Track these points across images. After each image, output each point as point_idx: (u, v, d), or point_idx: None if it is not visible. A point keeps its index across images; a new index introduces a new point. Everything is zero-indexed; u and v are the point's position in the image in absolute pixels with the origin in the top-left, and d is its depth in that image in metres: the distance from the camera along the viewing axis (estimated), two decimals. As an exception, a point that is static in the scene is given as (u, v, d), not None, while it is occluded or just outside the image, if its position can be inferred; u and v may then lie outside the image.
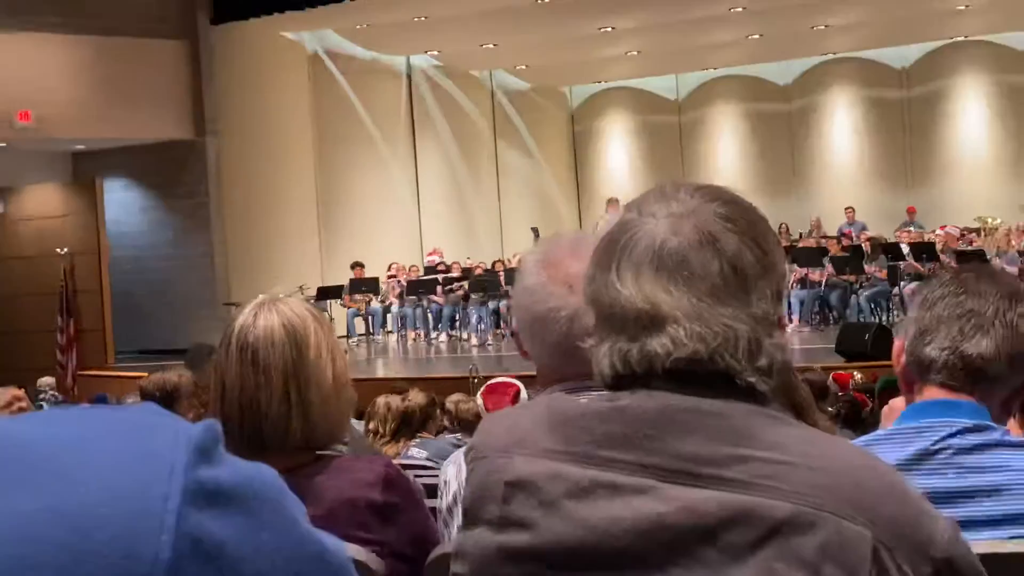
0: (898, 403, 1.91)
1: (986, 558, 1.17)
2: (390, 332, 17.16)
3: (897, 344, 1.82)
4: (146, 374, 5.65)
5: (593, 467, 1.11)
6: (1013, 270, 12.78)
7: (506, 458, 1.16)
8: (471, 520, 1.18)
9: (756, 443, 1.08)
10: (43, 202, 15.55)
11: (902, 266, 14.43)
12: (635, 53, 20.29)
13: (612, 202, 16.92)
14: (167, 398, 4.75)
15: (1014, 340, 1.72)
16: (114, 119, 15.09)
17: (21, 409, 6.60)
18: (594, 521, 1.08)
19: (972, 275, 1.80)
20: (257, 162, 16.25)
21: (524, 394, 5.51)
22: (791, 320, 14.48)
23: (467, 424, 5.63)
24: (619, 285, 1.15)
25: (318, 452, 1.95)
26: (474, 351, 14.85)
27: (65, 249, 15.08)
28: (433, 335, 16.54)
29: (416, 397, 5.46)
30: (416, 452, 4.80)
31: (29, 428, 0.60)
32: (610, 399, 1.15)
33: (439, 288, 16.59)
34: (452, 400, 6.03)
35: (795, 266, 14.73)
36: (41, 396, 10.53)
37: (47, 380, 11.48)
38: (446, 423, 5.90)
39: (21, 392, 7.47)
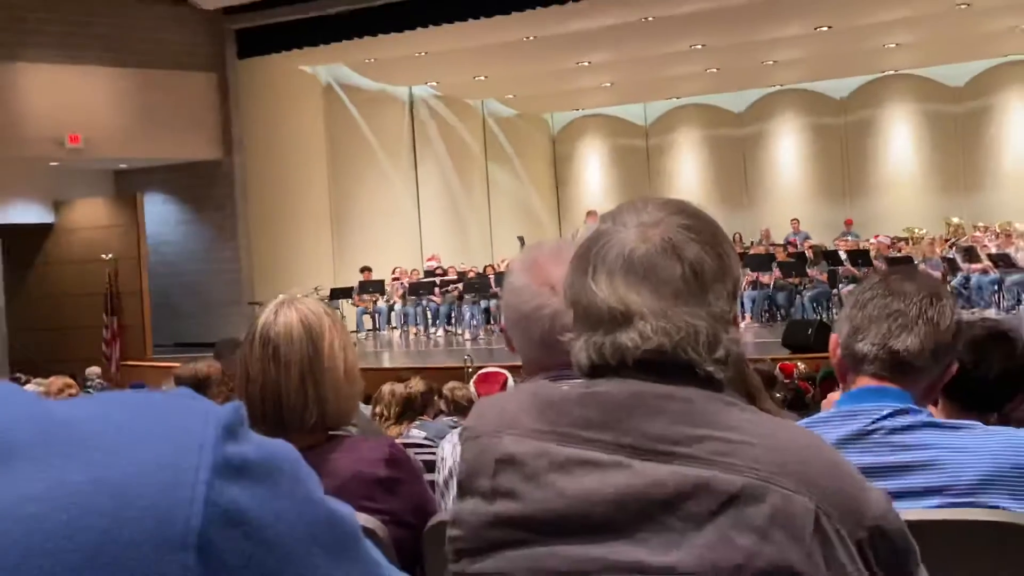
0: (835, 396, 1.92)
1: (914, 525, 1.17)
2: (394, 328, 17.11)
3: (833, 339, 1.82)
4: (180, 364, 5.62)
5: (574, 445, 1.11)
6: (936, 274, 12.82)
7: (497, 438, 1.16)
8: (465, 492, 1.18)
9: (714, 425, 1.08)
10: (90, 214, 15.50)
11: (840, 271, 14.48)
12: (608, 84, 20.30)
13: (591, 214, 16.89)
14: (198, 385, 4.73)
15: (935, 335, 1.72)
16: (152, 141, 15.05)
17: (71, 395, 6.59)
18: (574, 493, 1.08)
19: (898, 277, 1.80)
20: (278, 179, 16.22)
21: (511, 382, 5.51)
22: (744, 317, 14.51)
23: (461, 408, 5.60)
24: (595, 287, 1.15)
25: (331, 432, 1.95)
26: (467, 344, 14.83)
27: (110, 255, 15.03)
28: (432, 330, 16.51)
29: (417, 384, 5.43)
30: (416, 433, 4.78)
31: (78, 409, 0.60)
32: (587, 386, 1.15)
33: (437, 289, 16.56)
34: (448, 387, 6.01)
35: (747, 270, 14.74)
36: (89, 383, 10.51)
37: (94, 370, 11.46)
38: (443, 407, 5.88)
39: (71, 380, 7.47)
